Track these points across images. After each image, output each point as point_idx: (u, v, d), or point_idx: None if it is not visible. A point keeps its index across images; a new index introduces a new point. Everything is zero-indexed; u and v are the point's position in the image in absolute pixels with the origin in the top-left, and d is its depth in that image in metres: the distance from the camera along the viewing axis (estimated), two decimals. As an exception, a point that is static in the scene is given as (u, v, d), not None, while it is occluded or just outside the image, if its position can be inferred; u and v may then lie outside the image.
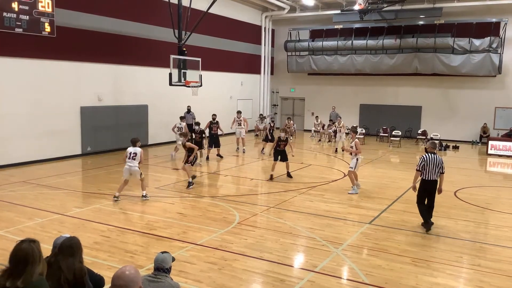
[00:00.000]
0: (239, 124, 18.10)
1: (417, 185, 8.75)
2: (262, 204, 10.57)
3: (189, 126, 19.18)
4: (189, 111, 19.68)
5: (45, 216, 8.95)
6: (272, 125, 18.79)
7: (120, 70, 17.64)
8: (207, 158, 16.28)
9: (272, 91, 28.64)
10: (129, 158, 10.32)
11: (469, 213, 9.92)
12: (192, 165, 12.16)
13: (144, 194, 10.46)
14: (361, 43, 24.13)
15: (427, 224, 8.53)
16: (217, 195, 11.17)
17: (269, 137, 17.69)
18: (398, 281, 6.22)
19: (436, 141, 9.37)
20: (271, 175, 13.03)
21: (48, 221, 8.65)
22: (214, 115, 17.12)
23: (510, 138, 20.02)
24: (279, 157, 13.13)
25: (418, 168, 8.57)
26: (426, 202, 8.67)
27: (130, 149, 10.40)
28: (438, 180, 8.54)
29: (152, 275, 3.76)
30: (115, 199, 10.24)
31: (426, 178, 8.49)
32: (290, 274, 6.46)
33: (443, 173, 8.53)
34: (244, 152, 17.99)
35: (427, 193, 8.61)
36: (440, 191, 8.65)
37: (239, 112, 18.56)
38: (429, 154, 8.54)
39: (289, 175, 13.21)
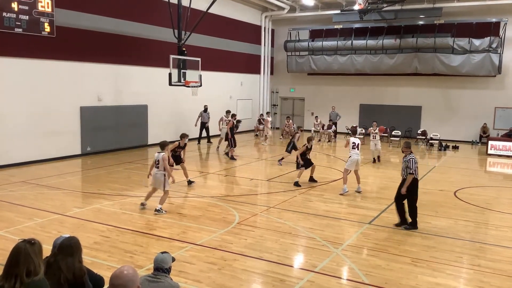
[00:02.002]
0: (227, 124, 17.69)
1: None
2: (262, 204, 10.56)
3: (204, 125, 19.29)
4: (206, 110, 19.76)
5: (45, 216, 8.95)
6: (298, 132, 16.10)
7: (120, 70, 17.63)
8: (232, 157, 16.52)
9: (272, 91, 28.64)
10: (155, 165, 9.46)
11: (469, 213, 9.92)
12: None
13: (158, 208, 9.35)
14: (361, 43, 24.13)
15: (416, 224, 8.66)
16: (217, 195, 11.16)
17: (291, 147, 15.38)
18: (398, 281, 6.21)
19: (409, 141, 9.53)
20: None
21: (48, 221, 8.65)
22: (235, 115, 17.82)
23: (510, 138, 20.02)
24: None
25: (412, 171, 8.49)
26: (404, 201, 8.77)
27: (156, 155, 9.47)
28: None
29: (152, 275, 3.76)
30: (142, 206, 9.58)
31: (418, 178, 8.72)
32: (290, 274, 6.45)
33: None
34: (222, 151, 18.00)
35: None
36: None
37: (228, 112, 18.33)
38: (413, 154, 8.73)
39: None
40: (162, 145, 9.60)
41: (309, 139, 12.84)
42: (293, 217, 9.31)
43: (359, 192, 11.56)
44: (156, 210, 9.36)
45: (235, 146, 16.70)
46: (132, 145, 18.42)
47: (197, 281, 6.07)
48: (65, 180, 12.44)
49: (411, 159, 8.56)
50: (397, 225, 8.76)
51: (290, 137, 16.49)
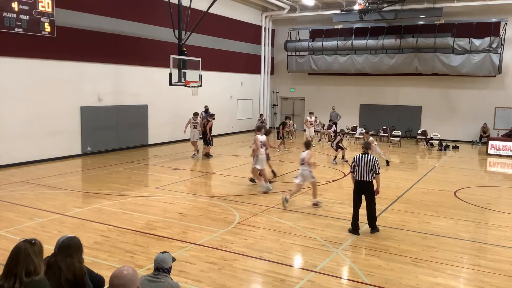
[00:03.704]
0: (195, 127, 16.70)
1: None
2: (262, 204, 10.55)
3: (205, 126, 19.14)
4: (206, 110, 19.51)
5: (45, 216, 8.95)
6: (339, 135, 16.95)
7: (120, 70, 17.64)
8: (208, 155, 16.72)
9: (272, 91, 28.65)
10: (300, 163, 10.28)
11: (469, 213, 9.91)
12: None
13: (315, 202, 10.22)
14: (361, 43, 24.13)
15: (356, 231, 8.24)
16: (217, 195, 11.16)
17: (340, 147, 16.43)
18: (398, 281, 6.21)
19: (369, 143, 8.97)
20: None
21: (48, 221, 8.65)
22: (213, 114, 17.73)
23: (510, 138, 20.02)
24: None
25: (351, 170, 8.44)
26: (366, 206, 8.31)
27: (302, 153, 10.26)
28: (374, 181, 8.25)
29: (152, 275, 3.76)
30: (286, 203, 9.95)
31: (358, 179, 8.25)
32: (290, 274, 6.45)
33: (377, 173, 8.21)
34: (194, 156, 16.76)
35: (360, 195, 8.33)
36: (377, 192, 8.34)
37: (196, 114, 17.04)
38: (361, 154, 8.32)
39: None
40: (307, 144, 10.45)
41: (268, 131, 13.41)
42: (293, 217, 9.31)
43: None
44: (313, 204, 10.18)
45: (212, 144, 16.81)
46: (132, 145, 18.43)
47: (198, 281, 6.07)
48: (66, 180, 12.45)
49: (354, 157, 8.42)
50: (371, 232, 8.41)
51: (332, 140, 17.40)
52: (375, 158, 8.30)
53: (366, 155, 8.28)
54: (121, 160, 15.82)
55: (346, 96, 26.23)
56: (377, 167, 8.19)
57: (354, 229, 8.31)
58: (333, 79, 26.51)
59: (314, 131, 24.34)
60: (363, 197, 8.36)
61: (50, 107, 15.02)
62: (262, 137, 11.83)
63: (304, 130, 23.14)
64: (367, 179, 8.19)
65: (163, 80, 16.61)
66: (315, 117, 24.75)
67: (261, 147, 11.65)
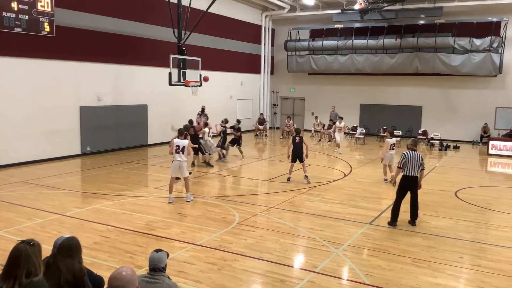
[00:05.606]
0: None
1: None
2: (262, 204, 10.54)
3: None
4: (203, 110, 19.51)
5: (45, 216, 8.93)
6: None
7: (119, 70, 17.61)
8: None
9: (272, 91, 28.62)
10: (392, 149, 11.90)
11: (469, 213, 9.89)
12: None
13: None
14: (362, 42, 24.10)
15: (394, 223, 8.78)
16: (217, 195, 11.14)
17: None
18: (398, 282, 6.19)
19: (417, 139, 9.50)
20: None
21: (47, 221, 8.63)
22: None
23: (511, 138, 19.98)
24: None
25: (399, 165, 8.88)
26: (410, 201, 8.86)
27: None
28: (419, 176, 8.83)
29: (149, 275, 3.71)
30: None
31: (408, 174, 8.75)
32: (290, 275, 6.43)
33: (423, 169, 8.86)
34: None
35: (407, 189, 8.84)
36: (419, 187, 8.93)
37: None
38: (410, 151, 8.85)
39: None
40: (392, 133, 13.00)
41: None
42: (293, 217, 9.29)
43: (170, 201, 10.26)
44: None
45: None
46: (132, 145, 18.40)
47: (197, 282, 6.05)
48: (65, 180, 12.43)
49: (402, 154, 8.92)
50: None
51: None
52: (421, 156, 8.85)
53: (415, 152, 8.81)
54: (121, 160, 15.80)
55: (346, 96, 26.19)
56: (423, 163, 8.84)
57: (394, 220, 8.77)
58: (333, 79, 26.48)
59: (314, 131, 24.40)
60: (408, 192, 8.87)
61: (49, 107, 14.99)
62: (180, 141, 10.15)
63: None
64: (415, 174, 8.74)
65: (163, 80, 16.57)
66: (316, 117, 24.78)
67: (178, 152, 10.09)
